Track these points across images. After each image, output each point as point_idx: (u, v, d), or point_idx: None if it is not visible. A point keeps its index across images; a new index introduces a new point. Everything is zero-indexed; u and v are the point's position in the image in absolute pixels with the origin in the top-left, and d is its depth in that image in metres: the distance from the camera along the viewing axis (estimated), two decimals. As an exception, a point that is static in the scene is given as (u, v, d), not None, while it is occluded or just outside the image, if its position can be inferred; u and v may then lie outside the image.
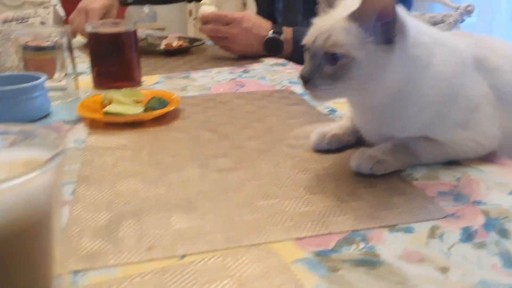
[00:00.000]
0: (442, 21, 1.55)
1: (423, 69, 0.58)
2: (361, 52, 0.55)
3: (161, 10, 3.07)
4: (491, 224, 0.48)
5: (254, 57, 1.27)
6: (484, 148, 0.62)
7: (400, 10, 0.56)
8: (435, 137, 0.61)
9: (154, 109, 0.80)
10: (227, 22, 1.24)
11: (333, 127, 0.69)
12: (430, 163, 0.62)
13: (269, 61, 1.25)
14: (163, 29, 3.11)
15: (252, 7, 1.68)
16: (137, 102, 0.84)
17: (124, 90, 0.87)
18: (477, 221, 0.49)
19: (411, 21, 0.59)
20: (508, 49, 0.69)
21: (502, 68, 0.65)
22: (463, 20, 1.49)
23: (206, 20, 1.26)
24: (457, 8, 1.51)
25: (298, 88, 0.96)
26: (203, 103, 0.89)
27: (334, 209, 0.51)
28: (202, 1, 1.32)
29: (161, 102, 0.83)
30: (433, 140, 0.61)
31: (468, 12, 1.47)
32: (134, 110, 0.79)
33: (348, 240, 0.46)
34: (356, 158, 0.60)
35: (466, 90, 0.60)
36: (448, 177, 0.59)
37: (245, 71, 1.14)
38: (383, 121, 0.62)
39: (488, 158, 0.63)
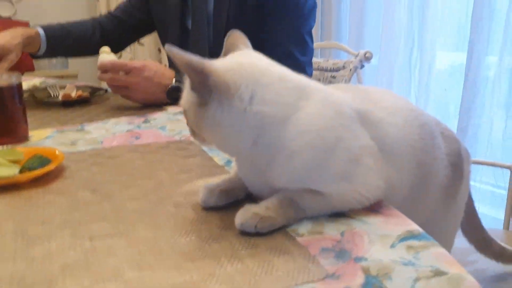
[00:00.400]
0: (344, 67, 1.61)
1: (277, 124, 0.58)
2: (191, 113, 0.60)
3: (73, 56, 2.97)
4: (370, 283, 0.47)
5: (158, 105, 1.24)
6: (367, 199, 0.62)
7: (223, 71, 0.57)
8: (318, 189, 0.59)
9: (31, 169, 0.73)
10: (127, 70, 1.20)
11: (222, 182, 0.66)
12: (316, 215, 0.61)
13: (173, 109, 1.22)
14: (75, 76, 3.00)
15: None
16: (15, 161, 0.77)
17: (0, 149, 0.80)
18: (357, 281, 0.47)
19: (260, 81, 0.58)
20: (390, 101, 0.71)
21: (384, 120, 0.66)
22: (362, 66, 1.56)
23: (104, 69, 1.21)
24: (357, 55, 1.58)
25: (197, 138, 0.93)
26: (91, 158, 0.83)
27: (209, 278, 0.47)
28: (101, 49, 1.27)
29: (42, 161, 0.76)
30: (318, 193, 0.60)
31: (367, 58, 1.54)
32: (7, 171, 0.72)
33: (220, 313, 0.43)
34: (240, 216, 0.57)
35: (345, 142, 0.60)
36: (332, 230, 0.57)
37: (145, 121, 1.10)
38: (258, 172, 0.61)
39: (374, 208, 0.63)
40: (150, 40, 1.88)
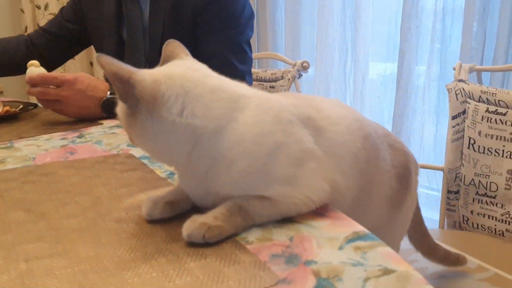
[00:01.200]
0: (282, 77, 1.63)
1: (211, 136, 0.57)
2: (123, 121, 0.60)
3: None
4: (321, 285, 0.47)
5: (93, 120, 1.19)
6: (314, 202, 0.62)
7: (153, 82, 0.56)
8: (263, 194, 0.59)
9: (-45, 190, 0.68)
10: (58, 84, 1.15)
11: (167, 193, 0.64)
12: (265, 222, 0.60)
13: (109, 123, 1.18)
14: (0, 92, 2.83)
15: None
16: None
17: None
18: (308, 284, 0.47)
19: (192, 91, 0.58)
20: (334, 110, 0.71)
21: (325, 128, 0.67)
22: (300, 75, 1.59)
23: (33, 83, 1.15)
24: (294, 65, 1.60)
25: (138, 151, 0.90)
26: (22, 177, 0.78)
27: (158, 293, 0.45)
28: (29, 63, 1.20)
29: (-33, 180, 0.71)
30: (265, 199, 0.59)
31: (304, 68, 1.57)
32: None
33: (171, 329, 0.41)
34: (187, 227, 0.55)
35: (285, 147, 0.60)
36: (281, 236, 0.57)
37: (80, 136, 1.05)
38: (198, 182, 0.60)
39: (321, 212, 0.63)
40: (82, 54, 1.81)
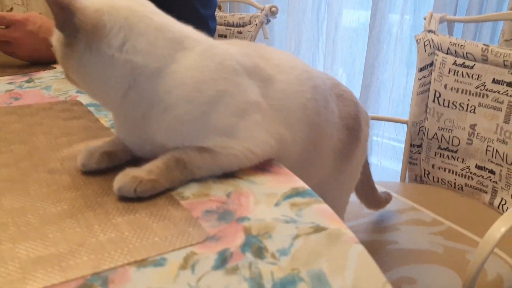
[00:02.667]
0: (250, 22, 1.57)
1: (149, 76, 0.55)
2: (58, 52, 0.56)
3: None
4: (249, 243, 0.46)
5: (45, 63, 1.13)
6: (256, 155, 0.60)
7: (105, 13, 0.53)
8: (199, 144, 0.57)
9: None
10: (6, 24, 1.08)
11: (104, 143, 0.62)
12: (204, 176, 0.58)
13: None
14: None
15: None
16: None
17: None
18: (237, 241, 0.46)
19: (129, 28, 0.54)
20: (284, 59, 0.69)
21: (275, 77, 0.65)
22: (268, 21, 1.53)
23: (-19, 23, 1.08)
24: (262, 10, 1.54)
25: (86, 98, 0.87)
26: (-42, 123, 0.74)
27: (78, 250, 0.43)
28: (-24, 0, 1.13)
29: None
30: (204, 151, 0.57)
31: (272, 13, 1.51)
32: None
33: (85, 286, 0.39)
34: (118, 180, 0.53)
35: (227, 96, 0.57)
36: (219, 192, 0.55)
37: (29, 80, 1.00)
38: (134, 127, 0.58)
39: (263, 166, 0.61)
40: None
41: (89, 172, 0.59)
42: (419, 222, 1.11)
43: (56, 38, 0.56)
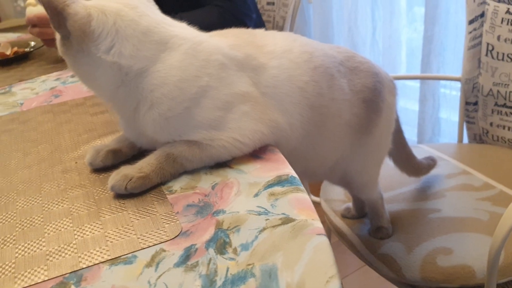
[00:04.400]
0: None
1: (135, 76, 0.59)
2: (58, 46, 0.60)
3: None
4: (216, 238, 0.48)
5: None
6: (246, 145, 0.61)
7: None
8: (186, 138, 0.60)
9: None
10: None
11: (111, 142, 0.67)
12: (196, 168, 0.61)
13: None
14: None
15: None
16: None
17: None
18: (205, 237, 0.49)
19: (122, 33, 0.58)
20: (278, 44, 0.68)
21: (268, 64, 0.65)
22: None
23: (32, 23, 1.18)
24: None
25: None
26: (3, 125, 0.84)
27: (65, 249, 0.49)
28: (27, 1, 1.23)
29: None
30: (193, 144, 0.60)
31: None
32: None
33: (61, 285, 0.45)
34: (111, 179, 0.58)
35: (211, 91, 0.59)
36: (206, 184, 0.58)
37: (73, 75, 1.09)
38: (128, 119, 0.63)
39: (257, 153, 0.63)
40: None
41: (97, 170, 0.64)
42: (468, 187, 1.06)
43: (56, 35, 0.61)
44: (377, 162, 0.90)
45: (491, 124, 1.23)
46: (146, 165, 0.59)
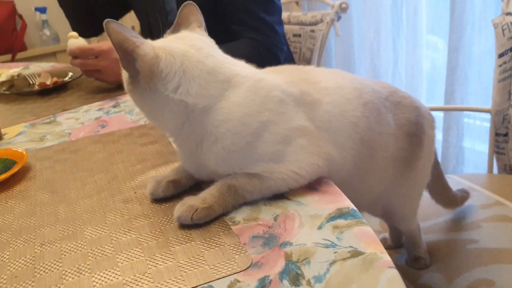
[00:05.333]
0: (321, 20, 1.58)
1: (200, 113, 0.61)
2: (125, 85, 0.64)
3: (63, 29, 2.94)
4: (288, 270, 0.50)
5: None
6: (303, 177, 0.63)
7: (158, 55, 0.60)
8: (250, 171, 0.62)
9: (-4, 174, 0.77)
10: (95, 54, 1.21)
11: (170, 172, 0.69)
12: (256, 199, 0.63)
13: (146, 87, 1.23)
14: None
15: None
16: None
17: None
18: (276, 268, 0.50)
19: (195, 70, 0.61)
20: (330, 81, 0.71)
21: (322, 100, 0.67)
22: (339, 18, 1.53)
23: (73, 55, 1.22)
24: (333, 7, 1.54)
25: (162, 121, 0.95)
26: (55, 155, 0.86)
27: (141, 278, 0.51)
28: (69, 34, 1.27)
29: (7, 164, 0.80)
30: (253, 176, 0.62)
31: (343, 9, 1.50)
32: (-28, 179, 0.76)
33: (144, 314, 0.46)
34: (177, 210, 0.60)
35: (271, 126, 0.62)
36: (267, 215, 0.60)
37: (115, 105, 1.12)
38: (191, 153, 0.65)
39: (313, 185, 0.65)
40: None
41: (157, 200, 0.67)
42: (504, 218, 1.06)
43: (123, 73, 0.64)
44: (418, 194, 0.91)
45: (522, 155, 1.24)
46: (209, 196, 0.61)
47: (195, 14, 0.69)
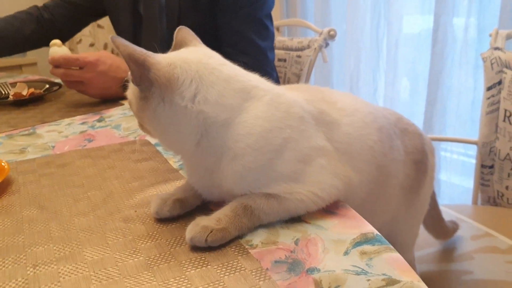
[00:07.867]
0: (308, 46, 1.58)
1: (220, 126, 0.57)
2: (133, 105, 0.59)
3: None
4: (321, 298, 0.46)
5: (114, 100, 1.19)
6: (322, 199, 0.60)
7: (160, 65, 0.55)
8: (266, 190, 0.58)
9: (-27, 186, 0.70)
10: (80, 65, 1.15)
11: (176, 191, 0.64)
12: (272, 222, 0.59)
13: (131, 103, 1.18)
14: (34, 64, 2.89)
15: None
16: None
17: None
18: (308, 297, 0.46)
19: (211, 82, 0.57)
20: (348, 102, 0.69)
21: (340, 121, 0.65)
22: (327, 44, 1.53)
23: (56, 64, 1.16)
24: (321, 33, 1.54)
25: (154, 137, 0.90)
26: (40, 168, 0.79)
27: (155, 305, 0.45)
28: (52, 42, 1.21)
29: (-14, 175, 0.72)
30: (271, 197, 0.58)
31: (331, 36, 1.51)
32: None
33: None
34: (189, 230, 0.55)
35: (292, 143, 0.58)
36: (287, 239, 0.56)
37: (100, 119, 1.06)
38: (204, 173, 0.60)
39: (330, 209, 0.61)
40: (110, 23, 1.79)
41: (161, 220, 0.61)
42: (495, 249, 1.06)
43: (131, 92, 0.59)
44: (419, 222, 0.90)
45: (506, 187, 1.26)
46: (223, 216, 0.56)
47: (191, 34, 0.66)
